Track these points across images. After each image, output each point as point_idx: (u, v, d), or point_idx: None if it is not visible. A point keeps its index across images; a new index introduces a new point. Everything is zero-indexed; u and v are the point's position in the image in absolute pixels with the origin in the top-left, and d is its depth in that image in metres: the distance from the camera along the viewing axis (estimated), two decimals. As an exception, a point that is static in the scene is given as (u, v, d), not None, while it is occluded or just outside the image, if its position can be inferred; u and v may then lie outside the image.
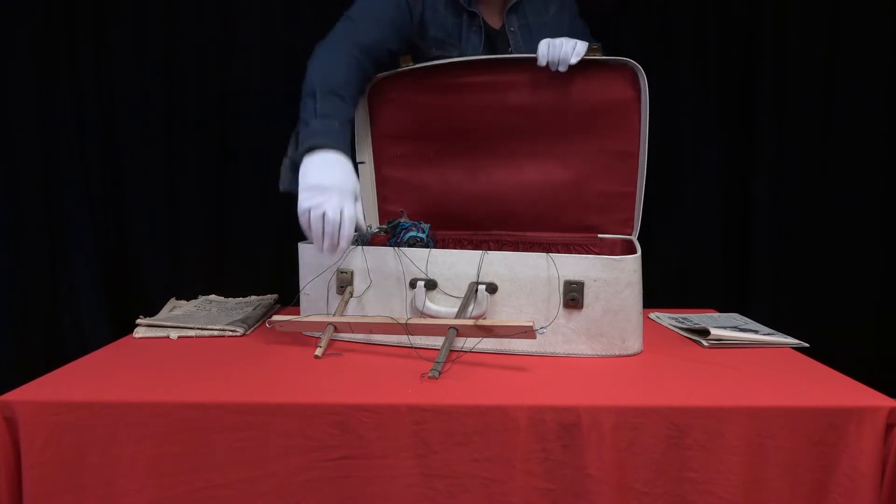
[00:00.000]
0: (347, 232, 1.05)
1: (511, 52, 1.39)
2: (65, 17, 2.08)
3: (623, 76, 1.25)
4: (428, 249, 1.12)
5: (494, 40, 1.40)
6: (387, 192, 1.44)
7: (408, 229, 1.29)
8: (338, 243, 1.05)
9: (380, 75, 1.35)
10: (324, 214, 1.04)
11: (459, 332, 1.00)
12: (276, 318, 1.14)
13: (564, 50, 1.20)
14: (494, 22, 1.40)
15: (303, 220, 1.07)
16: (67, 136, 2.11)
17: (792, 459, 0.82)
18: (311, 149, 1.10)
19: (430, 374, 0.92)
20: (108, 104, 2.14)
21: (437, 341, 1.07)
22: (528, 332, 0.96)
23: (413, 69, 1.32)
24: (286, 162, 1.24)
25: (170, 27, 2.13)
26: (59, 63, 2.09)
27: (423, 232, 1.30)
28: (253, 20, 2.15)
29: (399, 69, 1.33)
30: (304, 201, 1.05)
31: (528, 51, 1.37)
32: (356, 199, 1.08)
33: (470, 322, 1.00)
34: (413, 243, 1.26)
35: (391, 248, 1.12)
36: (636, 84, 1.24)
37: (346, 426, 0.82)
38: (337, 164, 1.08)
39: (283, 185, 1.19)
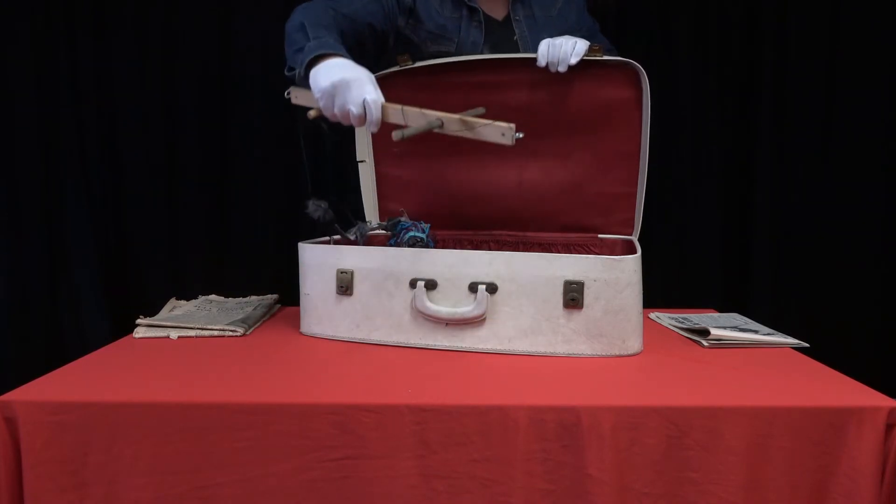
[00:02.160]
0: (375, 117, 1.04)
1: (516, 40, 1.40)
2: (65, 17, 2.08)
3: (624, 76, 1.24)
4: (428, 249, 1.13)
5: (496, 32, 1.40)
6: (387, 191, 1.43)
7: (408, 229, 1.29)
8: (370, 127, 1.07)
9: (379, 74, 1.34)
10: (350, 112, 1.04)
11: (444, 124, 1.06)
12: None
13: (564, 50, 1.19)
14: (498, 12, 1.40)
15: (333, 120, 1.08)
16: (67, 136, 2.11)
17: (792, 459, 0.82)
18: (313, 62, 1.07)
19: (394, 134, 0.99)
20: (108, 104, 2.14)
21: (437, 341, 1.08)
22: (505, 135, 1.02)
23: (412, 68, 1.31)
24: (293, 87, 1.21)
25: (170, 27, 2.13)
26: (59, 63, 2.09)
27: (423, 232, 1.30)
28: (253, 20, 2.15)
29: (397, 68, 1.32)
30: (326, 109, 1.06)
31: (533, 41, 1.37)
32: (374, 85, 1.06)
33: (455, 116, 1.06)
34: (413, 243, 1.26)
35: (390, 248, 1.12)
36: (637, 84, 1.24)
37: (346, 426, 0.82)
38: (343, 64, 1.05)
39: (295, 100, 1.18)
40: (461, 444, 0.82)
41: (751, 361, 1.02)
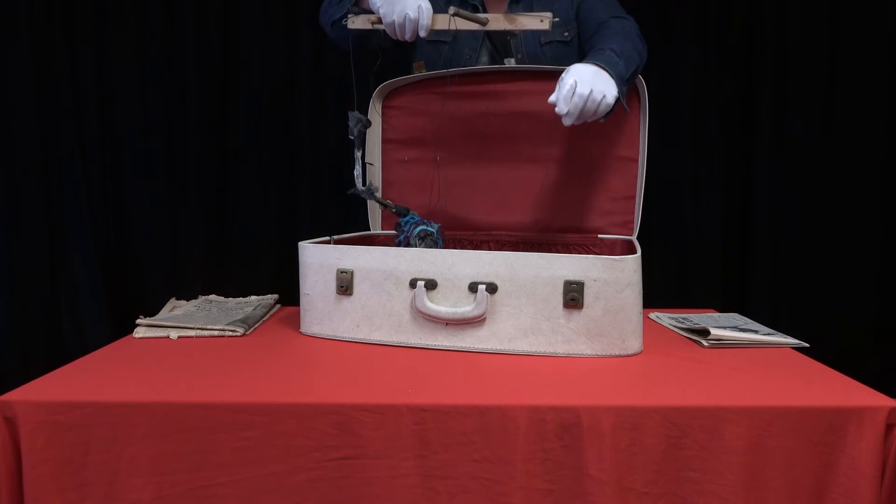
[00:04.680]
0: (426, 22, 1.18)
1: (509, 41, 1.41)
2: (65, 18, 2.08)
3: None
4: (428, 249, 1.13)
5: (492, 32, 1.41)
6: (391, 195, 1.45)
7: (417, 223, 1.29)
8: (416, 33, 1.19)
9: (391, 82, 1.39)
10: (406, 16, 1.16)
11: (490, 22, 1.19)
12: None
13: (588, 108, 1.09)
14: (498, 12, 1.42)
15: (389, 29, 1.20)
16: (67, 136, 2.11)
17: (792, 459, 0.82)
18: None
19: (451, 10, 1.14)
20: (108, 104, 2.15)
21: (437, 341, 1.08)
22: (543, 21, 1.16)
23: (426, 76, 1.37)
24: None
25: (170, 28, 2.13)
26: (59, 63, 2.09)
27: (433, 227, 1.30)
28: (253, 21, 2.15)
29: (411, 76, 1.38)
30: (386, 16, 1.18)
31: (526, 40, 1.40)
32: None
33: (500, 14, 1.20)
34: (424, 236, 1.26)
35: (390, 248, 1.13)
36: (636, 91, 1.28)
37: (346, 426, 0.82)
38: None
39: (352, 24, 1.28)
40: (461, 444, 0.82)
41: (751, 361, 1.02)
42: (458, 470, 0.82)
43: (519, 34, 1.29)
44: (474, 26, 1.19)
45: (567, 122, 1.11)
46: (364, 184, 1.31)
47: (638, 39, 1.29)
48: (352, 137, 1.28)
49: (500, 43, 1.42)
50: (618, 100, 1.14)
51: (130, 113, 2.15)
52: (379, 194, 1.41)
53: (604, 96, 1.10)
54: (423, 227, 1.27)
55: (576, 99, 1.08)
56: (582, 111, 1.09)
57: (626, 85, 1.19)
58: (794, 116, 2.12)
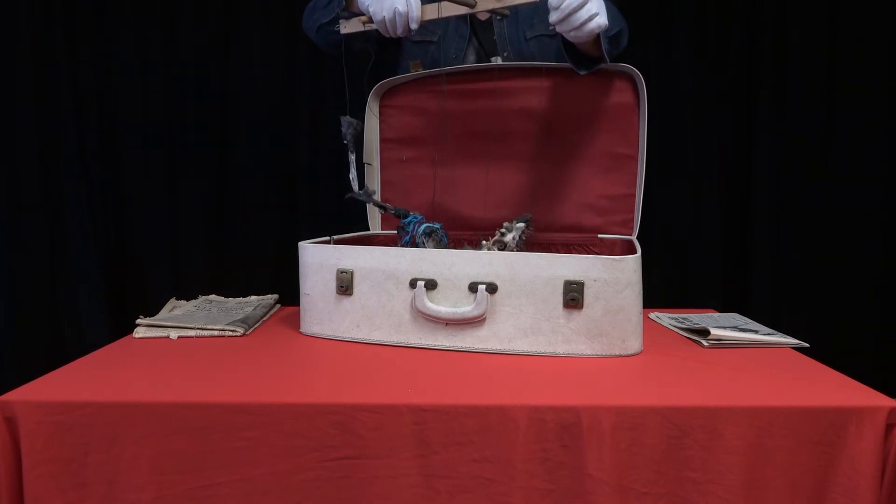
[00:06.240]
0: (415, 14, 1.17)
1: (495, 39, 1.41)
2: (65, 17, 2.08)
3: (623, 81, 1.28)
4: (428, 249, 1.13)
5: (479, 32, 1.42)
6: (389, 195, 1.45)
7: (420, 222, 1.29)
8: (408, 27, 1.18)
9: (387, 81, 1.39)
10: (395, 10, 1.15)
11: (479, 4, 1.15)
12: None
13: (579, 16, 1.08)
14: (482, 13, 1.42)
15: (381, 26, 1.19)
16: (67, 136, 2.11)
17: (792, 459, 0.82)
18: None
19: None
20: (108, 104, 2.15)
21: (437, 341, 1.08)
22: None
23: (422, 75, 1.37)
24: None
25: (170, 28, 2.13)
26: (59, 63, 2.09)
27: (437, 225, 1.29)
28: (254, 21, 2.15)
29: (407, 75, 1.38)
30: (376, 14, 1.18)
31: (511, 37, 1.39)
32: None
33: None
34: (430, 233, 1.26)
35: (391, 248, 1.13)
36: (635, 88, 1.28)
37: (346, 426, 0.82)
38: None
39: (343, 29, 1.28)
40: (461, 444, 0.82)
41: (751, 361, 1.02)
42: (458, 470, 0.82)
43: (508, 15, 1.28)
44: (463, 10, 1.17)
45: (553, 17, 1.11)
46: (361, 187, 1.30)
47: (617, 12, 1.28)
48: (345, 142, 1.28)
49: (486, 41, 1.43)
50: (601, 57, 1.15)
51: (130, 113, 2.15)
52: (377, 196, 1.40)
53: (597, 15, 1.09)
54: (428, 224, 1.27)
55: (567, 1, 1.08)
56: (571, 16, 1.09)
57: (608, 43, 1.19)
58: (794, 116, 2.12)
